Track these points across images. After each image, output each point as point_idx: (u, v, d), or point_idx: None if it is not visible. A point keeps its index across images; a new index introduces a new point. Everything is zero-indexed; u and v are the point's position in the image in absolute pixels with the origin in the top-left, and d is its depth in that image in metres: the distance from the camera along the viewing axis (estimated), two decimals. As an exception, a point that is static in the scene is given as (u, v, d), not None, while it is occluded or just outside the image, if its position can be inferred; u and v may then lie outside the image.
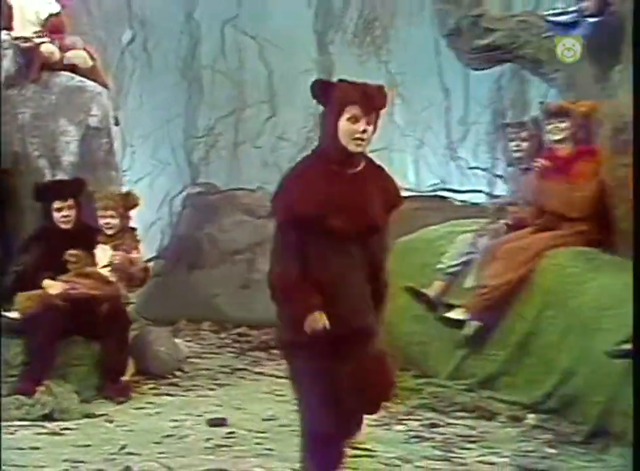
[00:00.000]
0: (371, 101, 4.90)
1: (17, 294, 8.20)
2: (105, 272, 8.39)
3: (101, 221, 8.59)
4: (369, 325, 5.09)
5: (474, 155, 13.15)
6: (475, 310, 8.25)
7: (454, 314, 8.37)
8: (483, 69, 10.61)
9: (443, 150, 13.25)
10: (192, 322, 11.04)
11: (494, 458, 6.63)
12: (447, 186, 12.91)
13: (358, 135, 4.88)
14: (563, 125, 8.36)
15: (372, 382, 4.99)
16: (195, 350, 9.91)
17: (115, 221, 8.58)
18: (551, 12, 9.88)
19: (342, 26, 13.74)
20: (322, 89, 4.96)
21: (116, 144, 9.77)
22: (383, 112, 4.98)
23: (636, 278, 3.74)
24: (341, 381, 4.95)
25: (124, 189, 9.40)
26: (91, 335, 8.16)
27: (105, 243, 8.55)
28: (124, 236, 8.69)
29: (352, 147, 4.90)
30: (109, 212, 8.59)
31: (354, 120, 4.87)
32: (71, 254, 8.33)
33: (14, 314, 8.14)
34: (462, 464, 6.49)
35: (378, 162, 5.17)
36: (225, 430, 7.12)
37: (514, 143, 9.10)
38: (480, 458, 6.63)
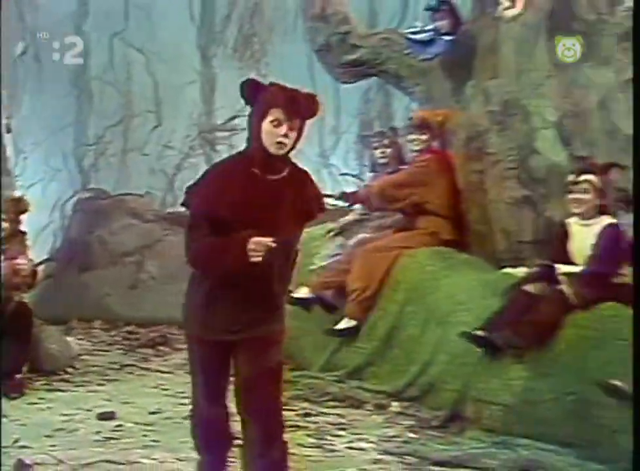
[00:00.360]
0: (296, 106, 4.74)
1: None
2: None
3: None
4: (260, 334, 4.86)
5: (345, 162, 13.28)
6: (354, 315, 8.32)
7: (343, 326, 8.40)
8: (351, 83, 10.60)
9: (316, 158, 13.11)
10: (84, 321, 10.91)
11: (362, 444, 6.71)
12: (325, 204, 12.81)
13: (279, 139, 4.71)
14: (423, 137, 8.54)
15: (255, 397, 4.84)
16: (86, 347, 9.81)
17: (5, 225, 8.48)
18: (410, 30, 9.87)
19: (223, 41, 13.76)
20: (251, 90, 4.79)
21: (9, 150, 9.76)
22: (311, 120, 4.80)
23: (636, 279, 3.52)
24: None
25: (16, 194, 9.29)
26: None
27: None
28: (14, 240, 8.57)
29: (273, 150, 4.72)
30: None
31: (277, 123, 4.70)
32: None
33: None
34: (332, 451, 6.57)
35: (304, 169, 4.98)
36: (114, 423, 7.09)
37: (378, 151, 9.30)
38: (349, 444, 6.72)
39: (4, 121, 9.88)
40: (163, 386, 8.29)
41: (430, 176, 8.53)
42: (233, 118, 12.88)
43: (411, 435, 6.91)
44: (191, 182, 4.86)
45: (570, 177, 7.10)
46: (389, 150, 9.19)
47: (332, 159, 13.48)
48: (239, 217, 4.70)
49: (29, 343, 8.35)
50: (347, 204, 9.61)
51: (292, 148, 4.78)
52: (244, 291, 4.78)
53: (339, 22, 9.94)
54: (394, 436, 6.86)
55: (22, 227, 8.71)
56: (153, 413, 7.42)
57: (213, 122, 13.54)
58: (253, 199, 4.72)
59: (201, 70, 13.60)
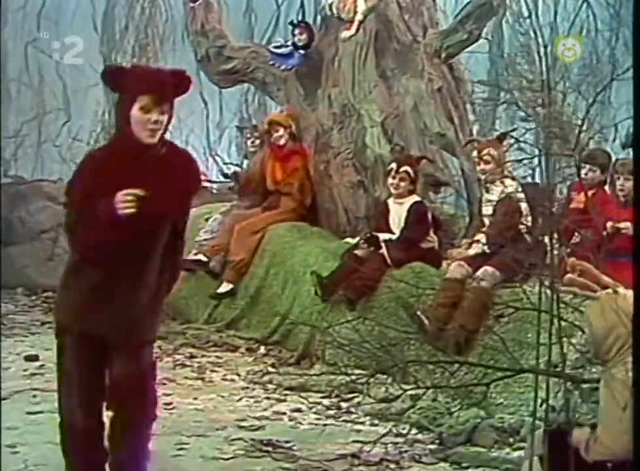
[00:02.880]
0: (164, 89, 4.05)
1: None
2: None
3: None
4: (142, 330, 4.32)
5: (228, 153, 13.42)
6: (232, 279, 8.89)
7: (223, 290, 8.94)
8: (227, 88, 11.07)
9: (204, 149, 13.38)
10: (9, 288, 11.00)
11: (234, 377, 7.46)
12: (208, 178, 12.34)
13: (151, 126, 4.01)
14: (280, 133, 9.05)
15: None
16: (10, 309, 10.19)
17: None
18: (273, 45, 10.30)
19: (122, 48, 13.88)
20: (112, 76, 4.11)
21: None
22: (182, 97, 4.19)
23: (636, 278, 3.93)
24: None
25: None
26: None
27: None
28: None
29: (146, 139, 4.03)
30: None
31: (146, 109, 4.00)
32: None
33: None
34: (211, 382, 7.32)
35: (182, 148, 4.47)
36: (38, 363, 7.55)
37: (249, 141, 9.93)
38: (223, 377, 7.47)
39: None
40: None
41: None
42: None
43: (273, 370, 7.63)
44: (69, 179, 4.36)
45: (392, 165, 8.01)
46: (258, 141, 9.78)
47: (218, 150, 13.63)
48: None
49: None
50: (233, 183, 10.05)
51: (165, 131, 4.13)
52: (131, 284, 4.19)
53: (216, 37, 10.17)
54: (258, 371, 7.58)
55: None
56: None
57: (114, 119, 13.65)
58: (128, 179, 4.03)
59: None
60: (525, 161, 4.88)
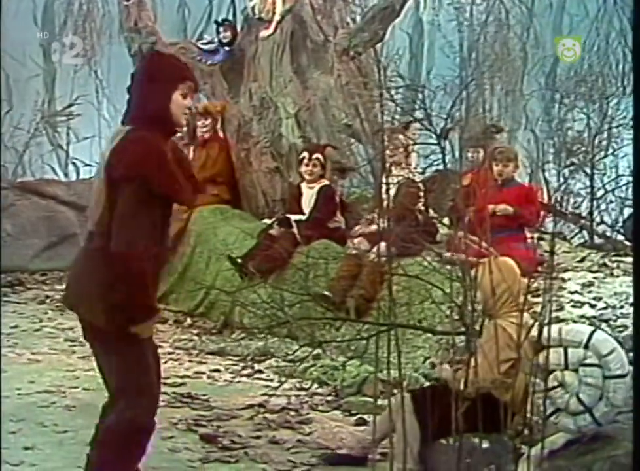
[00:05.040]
0: (196, 81, 4.29)
1: None
2: None
3: None
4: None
5: None
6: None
7: None
8: None
9: None
10: None
11: (162, 344, 7.71)
12: None
13: (186, 111, 4.17)
14: (207, 122, 9.61)
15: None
16: None
17: None
18: (201, 41, 10.78)
19: (61, 42, 13.59)
20: (155, 62, 4.29)
21: None
22: None
23: (636, 277, 4.08)
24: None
25: None
26: None
27: None
28: None
29: (182, 121, 4.17)
30: None
31: (184, 96, 4.14)
32: None
33: None
34: None
35: None
36: None
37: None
38: None
39: None
40: (19, 312, 9.26)
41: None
42: (70, 105, 13.50)
43: (196, 338, 8.26)
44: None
45: (304, 154, 8.71)
46: (184, 129, 10.35)
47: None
48: (171, 176, 4.05)
49: None
50: None
51: None
52: (153, 276, 4.09)
53: (148, 34, 10.59)
54: (184, 339, 8.22)
55: None
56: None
57: (53, 109, 13.80)
58: (174, 159, 4.12)
59: (44, 66, 13.94)
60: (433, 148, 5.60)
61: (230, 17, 11.85)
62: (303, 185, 8.61)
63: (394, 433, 4.64)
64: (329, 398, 6.47)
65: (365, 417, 5.98)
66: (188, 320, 8.86)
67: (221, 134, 9.86)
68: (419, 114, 6.20)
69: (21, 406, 5.89)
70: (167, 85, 4.11)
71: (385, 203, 7.99)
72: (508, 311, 4.90)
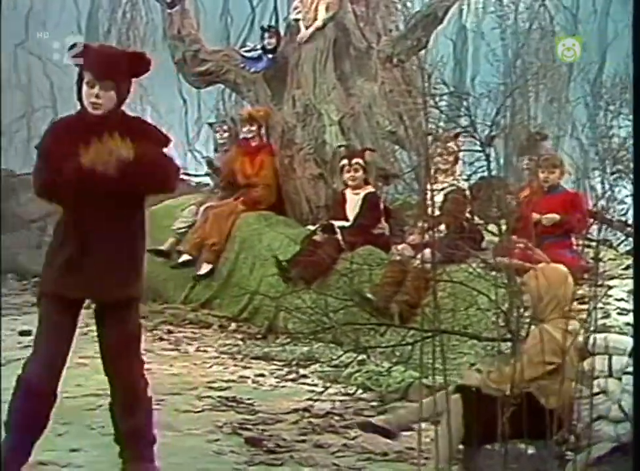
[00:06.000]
0: (105, 68, 4.28)
1: None
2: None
3: None
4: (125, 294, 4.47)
5: (206, 148, 13.42)
6: (210, 260, 9.46)
7: (183, 259, 9.64)
8: (201, 88, 11.63)
9: (183, 144, 13.95)
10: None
11: (207, 348, 8.15)
12: (186, 171, 12.92)
13: (92, 100, 4.26)
14: (253, 128, 9.72)
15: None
16: (4, 292, 10.49)
17: None
18: (244, 49, 10.91)
19: (62, 42, 14.41)
20: (73, 53, 4.38)
21: None
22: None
23: (636, 275, 4.12)
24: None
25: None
26: None
27: None
28: None
29: (90, 110, 4.29)
30: None
31: (90, 84, 4.27)
32: None
33: None
34: (186, 352, 8.01)
35: (136, 116, 4.66)
36: (30, 337, 7.56)
37: (218, 134, 10.55)
38: (197, 348, 8.16)
39: None
40: None
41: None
42: None
43: (242, 343, 8.35)
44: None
45: (343, 161, 8.76)
46: (226, 134, 10.42)
47: (196, 145, 14.22)
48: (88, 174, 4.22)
49: None
50: (211, 172, 10.67)
51: (116, 109, 4.34)
52: (108, 250, 4.36)
53: (191, 42, 10.73)
54: (229, 344, 8.29)
55: None
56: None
57: None
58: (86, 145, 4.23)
59: None
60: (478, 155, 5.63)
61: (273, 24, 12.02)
62: (348, 191, 8.68)
63: (437, 428, 4.63)
64: (374, 404, 6.49)
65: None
66: (233, 325, 8.94)
67: (265, 140, 9.94)
68: (463, 121, 6.20)
69: (69, 409, 5.93)
70: (80, 74, 4.30)
71: (430, 210, 8.13)
72: (556, 316, 4.90)
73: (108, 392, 6.11)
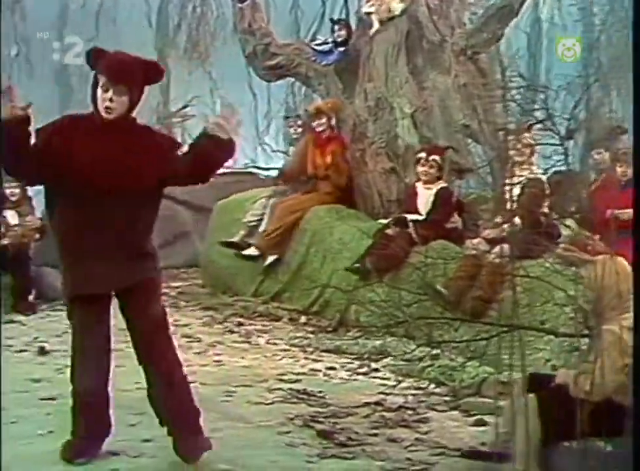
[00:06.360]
0: (120, 73, 4.40)
1: None
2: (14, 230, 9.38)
3: (7, 191, 9.44)
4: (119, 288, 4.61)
5: (276, 141, 14.08)
6: (266, 248, 9.56)
7: (247, 252, 9.68)
8: (272, 81, 11.66)
9: (252, 138, 13.89)
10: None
11: (277, 341, 8.17)
12: (256, 165, 13.60)
13: (106, 103, 4.39)
14: (322, 121, 9.72)
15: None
16: None
17: (16, 191, 9.40)
18: (315, 42, 10.97)
19: (175, 44, 14.60)
20: (92, 58, 4.53)
21: None
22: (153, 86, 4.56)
23: (636, 275, 4.13)
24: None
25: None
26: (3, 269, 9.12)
27: (12, 208, 9.45)
28: (23, 203, 9.54)
29: (103, 114, 4.42)
30: (13, 184, 9.31)
31: (104, 88, 4.40)
32: None
33: None
34: (257, 345, 8.04)
35: (147, 125, 4.78)
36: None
37: (292, 129, 10.63)
38: (268, 341, 8.18)
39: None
40: None
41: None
42: (185, 107, 13.92)
43: (312, 336, 8.35)
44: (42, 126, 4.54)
45: (420, 154, 8.72)
46: (300, 129, 10.51)
47: (266, 139, 14.31)
48: (82, 167, 4.40)
49: (29, 276, 9.31)
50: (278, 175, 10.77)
51: (127, 113, 4.48)
52: (108, 242, 4.50)
53: (262, 35, 10.86)
54: (299, 336, 8.31)
55: (29, 193, 9.60)
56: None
57: (168, 110, 14.25)
58: (98, 153, 4.42)
59: None
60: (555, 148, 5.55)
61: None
62: (419, 185, 8.61)
63: (515, 433, 4.58)
64: (447, 398, 6.43)
65: (485, 417, 5.93)
66: (303, 318, 8.95)
67: (335, 132, 9.90)
68: (539, 114, 6.11)
69: (140, 399, 5.93)
70: (94, 79, 4.45)
71: (507, 204, 8.03)
72: (617, 313, 4.76)
73: None
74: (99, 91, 4.41)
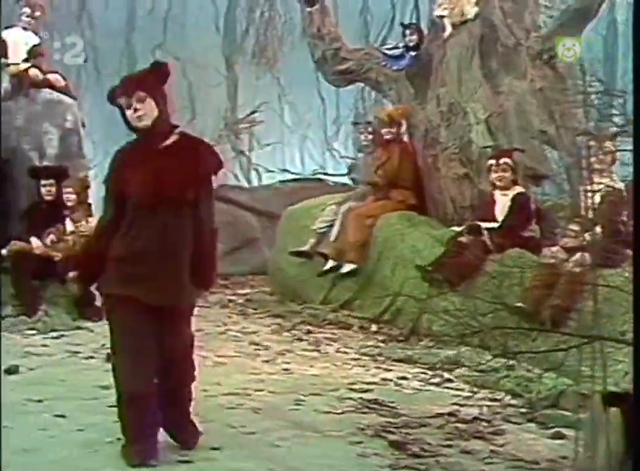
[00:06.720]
0: (126, 86, 4.77)
1: (12, 243, 9.39)
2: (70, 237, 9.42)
3: (65, 196, 9.53)
4: (178, 303, 4.90)
5: (345, 147, 14.19)
6: (351, 258, 9.48)
7: (327, 267, 9.67)
8: (342, 87, 11.64)
9: (321, 144, 14.20)
10: None
11: (347, 350, 8.12)
12: (325, 171, 13.77)
13: (134, 115, 4.70)
14: (392, 129, 9.73)
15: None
16: None
17: (72, 196, 9.47)
18: (386, 47, 10.92)
19: (243, 50, 14.72)
20: (110, 97, 4.86)
21: (84, 141, 10.77)
22: (164, 88, 4.80)
23: (636, 274, 4.20)
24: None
25: (81, 174, 10.10)
26: (60, 278, 9.13)
27: (70, 214, 9.49)
28: (80, 208, 9.54)
29: (135, 123, 4.73)
30: (69, 190, 9.48)
31: (127, 106, 4.72)
32: (54, 227, 9.46)
33: (4, 251, 9.33)
34: (326, 353, 8.00)
35: (195, 136, 5.06)
36: None
37: (362, 136, 10.60)
38: (337, 350, 8.16)
39: (80, 118, 10.79)
40: (203, 315, 9.19)
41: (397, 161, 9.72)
42: (253, 112, 14.01)
43: (382, 345, 8.30)
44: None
45: (491, 161, 8.60)
46: (370, 136, 10.50)
47: (334, 145, 14.40)
48: (129, 183, 4.73)
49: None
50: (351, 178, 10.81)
51: (160, 116, 4.77)
52: (164, 254, 4.77)
53: (332, 40, 10.84)
54: (370, 345, 8.25)
55: (89, 200, 9.69)
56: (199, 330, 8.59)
57: (236, 116, 14.34)
58: (146, 169, 4.74)
59: (226, 74, 14.52)
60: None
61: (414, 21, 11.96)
62: (497, 192, 8.51)
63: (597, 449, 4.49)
64: (523, 410, 6.33)
65: (562, 430, 5.82)
66: (374, 327, 8.92)
67: (405, 139, 9.91)
68: (618, 120, 5.98)
69: (209, 408, 6.00)
70: (120, 108, 4.80)
71: (586, 212, 7.91)
72: None
73: (248, 391, 6.26)
74: (127, 113, 4.75)
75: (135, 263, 4.72)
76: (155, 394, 4.82)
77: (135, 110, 4.70)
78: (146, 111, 4.71)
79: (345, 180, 12.76)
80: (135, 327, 4.75)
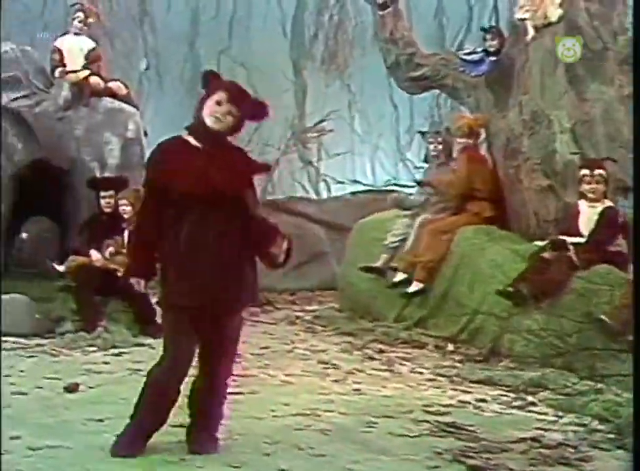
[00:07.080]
0: (241, 96, 4.98)
1: (70, 257, 9.54)
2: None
3: (120, 208, 9.58)
4: (230, 297, 5.07)
5: (419, 157, 13.77)
6: (420, 277, 9.49)
7: (396, 279, 9.68)
8: (416, 94, 11.61)
9: (394, 153, 14.24)
10: None
11: (422, 370, 8.07)
12: (398, 182, 13.74)
13: (218, 114, 4.92)
14: (470, 140, 9.69)
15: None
16: None
17: (128, 208, 9.46)
18: (463, 52, 10.83)
19: (312, 55, 14.78)
20: (208, 77, 5.06)
21: (147, 150, 10.62)
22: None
23: (636, 275, 4.43)
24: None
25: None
26: (121, 294, 9.18)
27: (128, 226, 9.42)
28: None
29: (209, 121, 4.93)
30: (124, 201, 9.51)
31: (219, 102, 4.90)
32: (113, 239, 9.55)
33: (61, 268, 9.54)
34: (399, 373, 7.95)
35: (237, 146, 5.21)
36: None
37: (432, 146, 10.49)
38: (412, 370, 8.09)
39: (142, 127, 11.02)
40: (269, 332, 9.63)
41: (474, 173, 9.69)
42: (322, 121, 14.14)
43: (460, 365, 8.23)
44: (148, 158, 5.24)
45: (584, 171, 8.53)
46: (440, 146, 10.38)
47: (408, 155, 14.36)
48: (176, 178, 4.92)
49: (149, 300, 8.96)
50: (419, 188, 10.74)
51: (229, 133, 5.04)
52: (213, 257, 4.97)
53: (405, 45, 10.86)
54: (446, 366, 8.20)
55: None
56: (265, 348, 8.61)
57: (304, 125, 14.45)
58: (189, 161, 4.94)
59: (294, 80, 14.60)
60: None
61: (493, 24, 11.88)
62: (583, 203, 8.41)
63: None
64: (611, 436, 6.24)
65: (655, 458, 5.73)
66: (450, 346, 8.89)
67: (482, 149, 9.89)
68: None
69: (276, 428, 6.00)
70: (206, 94, 4.99)
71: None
72: None
73: (317, 412, 6.25)
74: (211, 103, 4.95)
75: (196, 273, 4.94)
76: (176, 401, 5.14)
77: (223, 113, 4.93)
78: (225, 122, 4.95)
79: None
80: (188, 331, 5.07)
